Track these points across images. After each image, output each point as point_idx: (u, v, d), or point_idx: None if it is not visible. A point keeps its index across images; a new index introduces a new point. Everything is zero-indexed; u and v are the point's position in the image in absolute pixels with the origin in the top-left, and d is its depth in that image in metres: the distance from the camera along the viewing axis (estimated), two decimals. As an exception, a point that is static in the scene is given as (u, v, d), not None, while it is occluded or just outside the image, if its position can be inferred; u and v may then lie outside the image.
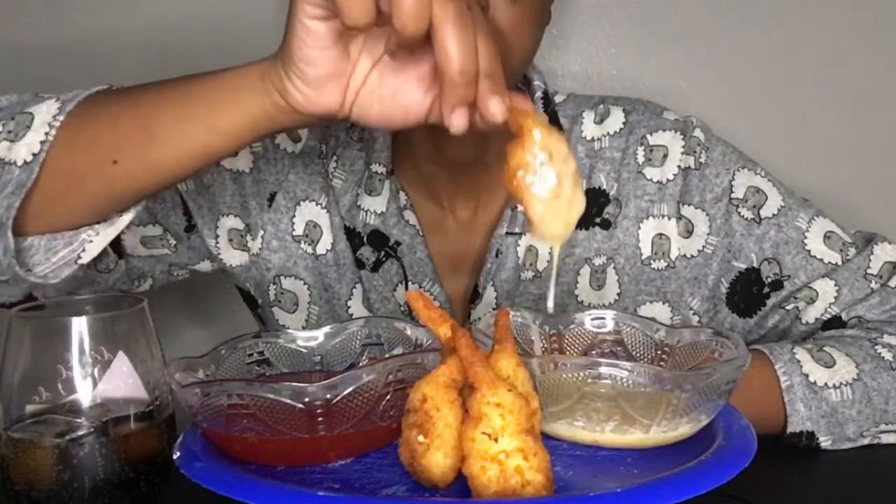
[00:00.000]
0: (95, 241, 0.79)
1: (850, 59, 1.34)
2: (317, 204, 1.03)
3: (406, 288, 1.01)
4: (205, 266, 1.06)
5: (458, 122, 0.64)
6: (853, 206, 1.28)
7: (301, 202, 1.03)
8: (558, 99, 1.06)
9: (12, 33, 1.35)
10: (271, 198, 1.03)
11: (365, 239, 1.02)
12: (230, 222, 1.03)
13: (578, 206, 0.64)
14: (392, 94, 0.70)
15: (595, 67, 1.35)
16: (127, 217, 0.80)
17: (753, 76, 1.34)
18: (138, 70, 1.24)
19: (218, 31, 1.33)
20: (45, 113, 0.76)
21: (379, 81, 0.70)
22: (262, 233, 1.03)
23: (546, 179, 0.62)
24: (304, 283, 1.04)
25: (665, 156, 1.01)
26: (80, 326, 0.65)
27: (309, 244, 1.03)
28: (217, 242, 1.03)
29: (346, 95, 0.69)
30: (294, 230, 1.03)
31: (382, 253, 1.02)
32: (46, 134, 0.75)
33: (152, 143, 0.74)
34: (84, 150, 0.76)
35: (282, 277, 1.04)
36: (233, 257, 1.04)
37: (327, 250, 1.03)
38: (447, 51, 0.61)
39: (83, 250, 0.79)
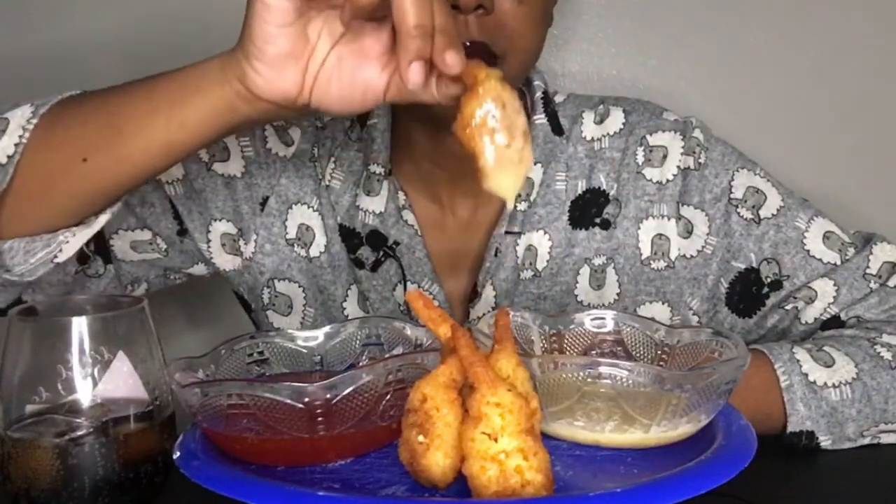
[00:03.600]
0: (72, 241, 0.81)
1: (850, 59, 1.34)
2: (309, 207, 1.03)
3: (405, 288, 1.01)
4: (199, 269, 1.06)
5: (415, 76, 0.65)
6: (852, 206, 1.28)
7: (293, 205, 1.03)
8: (558, 99, 1.06)
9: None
10: (263, 202, 1.03)
11: (364, 239, 1.02)
12: (223, 227, 1.03)
13: (528, 160, 0.66)
14: (350, 75, 0.72)
15: (595, 67, 1.35)
16: (103, 218, 0.82)
17: (753, 76, 1.34)
18: (122, 72, 1.23)
19: (202, 32, 1.33)
20: (20, 117, 0.78)
21: (337, 63, 0.72)
22: (255, 237, 1.03)
23: (499, 128, 0.64)
24: (299, 286, 1.04)
25: (665, 156, 1.01)
26: (80, 326, 0.65)
27: (302, 247, 1.03)
28: (209, 247, 1.03)
29: (305, 78, 0.71)
30: (287, 233, 1.03)
31: (381, 253, 1.02)
32: (20, 137, 0.77)
33: (119, 139, 0.76)
34: (55, 149, 0.77)
35: (275, 281, 1.04)
36: (225, 262, 1.04)
37: (321, 252, 1.03)
38: (403, 5, 0.64)
39: (60, 250, 0.80)
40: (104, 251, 0.97)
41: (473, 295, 1.01)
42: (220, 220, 1.02)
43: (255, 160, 1.03)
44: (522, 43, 0.91)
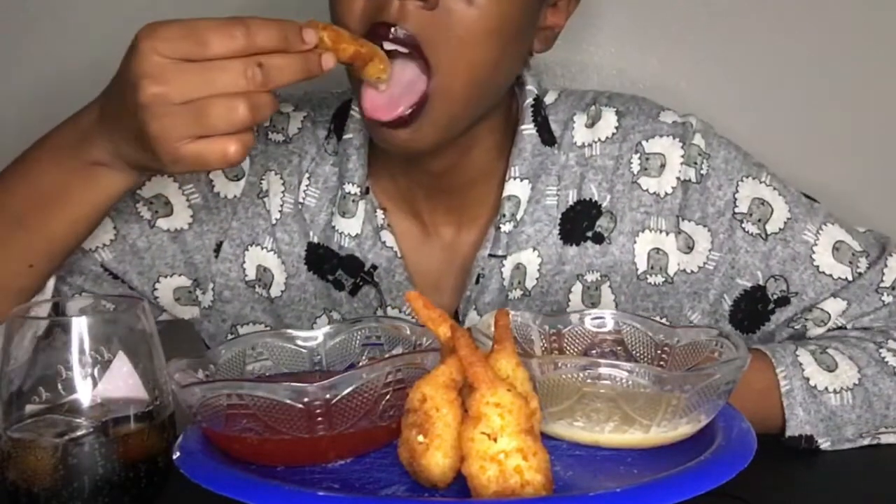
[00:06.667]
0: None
1: (852, 58, 1.33)
2: (262, 248, 0.98)
3: (385, 312, 0.97)
4: (166, 316, 1.02)
5: (327, 65, 0.73)
6: (856, 204, 1.27)
7: (248, 247, 0.99)
8: (549, 98, 0.98)
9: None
10: (217, 248, 0.98)
11: (341, 262, 0.97)
12: (175, 282, 0.99)
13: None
14: None
15: (595, 67, 1.35)
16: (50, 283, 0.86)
17: (754, 75, 1.34)
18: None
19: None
20: None
21: None
22: (212, 285, 0.99)
23: None
24: (265, 326, 1.00)
25: (662, 165, 0.94)
26: (80, 326, 0.65)
27: (263, 287, 0.99)
28: (158, 301, 0.99)
29: None
30: (246, 276, 0.99)
31: (359, 278, 0.97)
32: None
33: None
34: None
35: (238, 326, 1.01)
36: (182, 312, 1.01)
37: (281, 292, 0.99)
38: (279, 84, 0.70)
39: None
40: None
41: (457, 317, 0.96)
42: (170, 276, 0.98)
43: (203, 206, 0.97)
44: (470, 54, 0.80)
